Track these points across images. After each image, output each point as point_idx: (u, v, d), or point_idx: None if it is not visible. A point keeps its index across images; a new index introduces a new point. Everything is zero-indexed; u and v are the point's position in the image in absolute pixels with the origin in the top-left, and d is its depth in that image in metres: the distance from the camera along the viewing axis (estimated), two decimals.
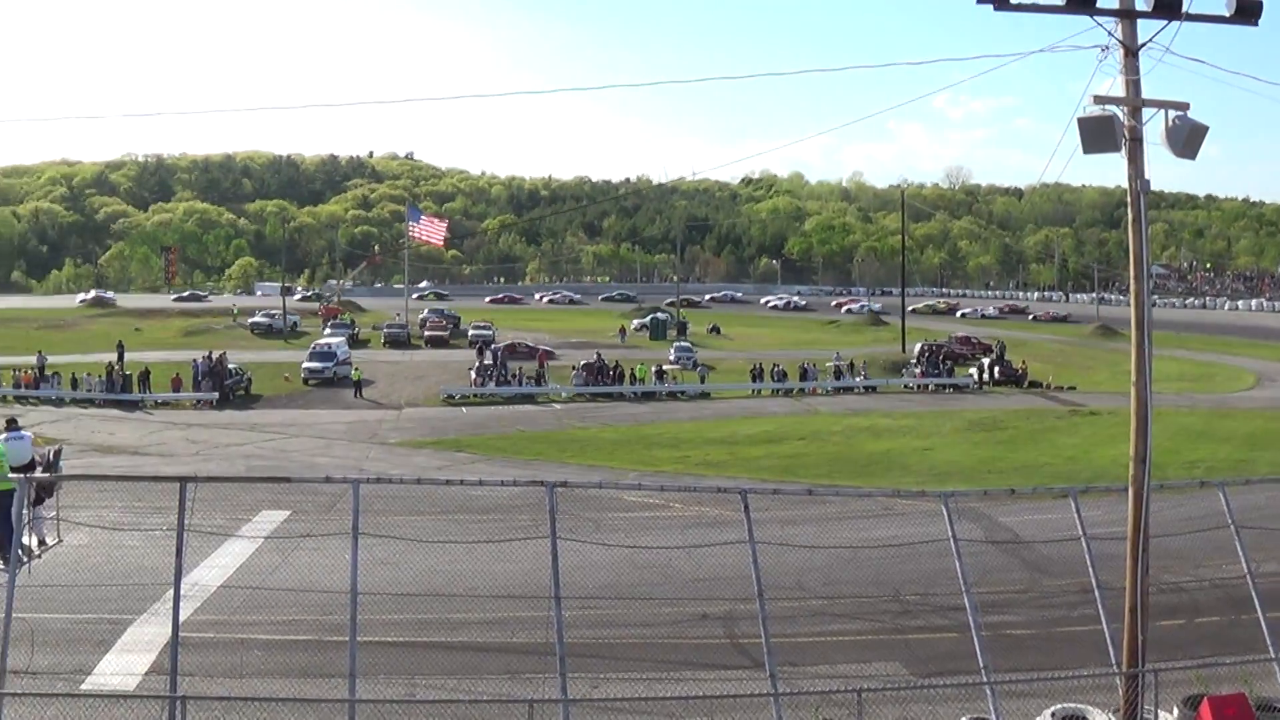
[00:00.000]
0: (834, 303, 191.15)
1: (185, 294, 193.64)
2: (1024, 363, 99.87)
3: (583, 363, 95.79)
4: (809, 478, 54.56)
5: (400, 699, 23.17)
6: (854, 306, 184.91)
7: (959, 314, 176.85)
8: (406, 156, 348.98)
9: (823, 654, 27.82)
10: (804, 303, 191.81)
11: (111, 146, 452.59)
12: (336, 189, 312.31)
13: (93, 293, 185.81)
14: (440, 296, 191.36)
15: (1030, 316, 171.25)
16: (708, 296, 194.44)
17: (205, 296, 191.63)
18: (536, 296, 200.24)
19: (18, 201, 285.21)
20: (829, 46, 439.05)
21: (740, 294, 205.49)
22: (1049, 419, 77.08)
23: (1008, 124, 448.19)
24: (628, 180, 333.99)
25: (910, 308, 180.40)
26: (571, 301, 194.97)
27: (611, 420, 77.80)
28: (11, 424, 27.39)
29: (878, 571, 32.72)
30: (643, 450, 65.84)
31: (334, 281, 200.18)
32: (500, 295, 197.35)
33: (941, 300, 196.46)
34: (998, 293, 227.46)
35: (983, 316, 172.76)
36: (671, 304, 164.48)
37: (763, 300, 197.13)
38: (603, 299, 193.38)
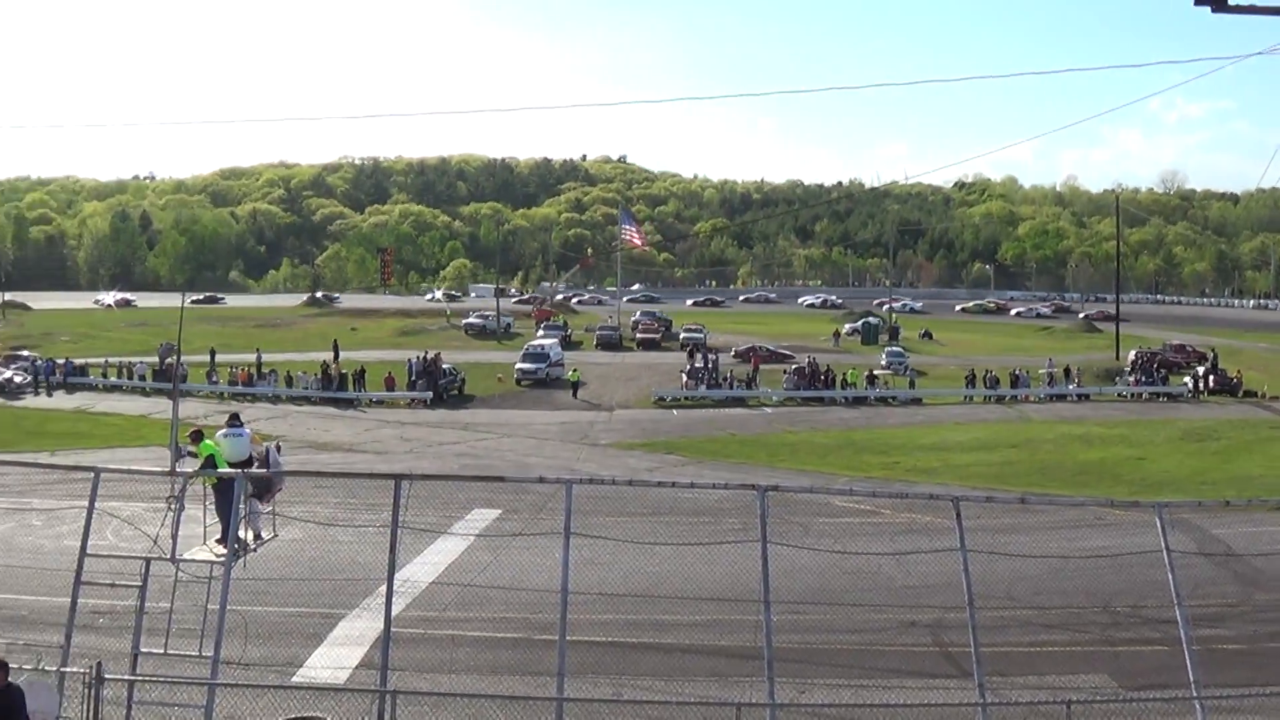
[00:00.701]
0: (875, 302, 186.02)
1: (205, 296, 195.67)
2: (1239, 372, 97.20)
3: (794, 366, 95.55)
4: (1020, 486, 53.87)
5: (607, 699, 23.23)
6: (895, 306, 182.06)
7: (1013, 312, 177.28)
8: (619, 160, 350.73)
9: (1031, 664, 27.46)
10: (839, 301, 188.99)
11: (329, 149, 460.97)
12: (550, 192, 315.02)
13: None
14: (650, 299, 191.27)
15: (1081, 315, 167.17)
16: (959, 307, 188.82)
17: (221, 299, 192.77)
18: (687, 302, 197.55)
19: (236, 203, 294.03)
20: (1042, 49, 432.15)
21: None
22: (1264, 430, 75.08)
23: (1224, 127, 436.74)
24: (839, 184, 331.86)
25: (959, 306, 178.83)
26: (715, 303, 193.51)
27: (822, 425, 77.41)
28: (234, 420, 27.89)
29: (1088, 582, 32.26)
30: (853, 455, 65.50)
31: (547, 284, 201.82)
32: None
33: (991, 300, 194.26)
34: (1213, 300, 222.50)
35: (1038, 315, 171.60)
36: (882, 305, 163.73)
37: (799, 300, 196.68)
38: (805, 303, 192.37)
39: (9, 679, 18.70)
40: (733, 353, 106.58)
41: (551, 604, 21.71)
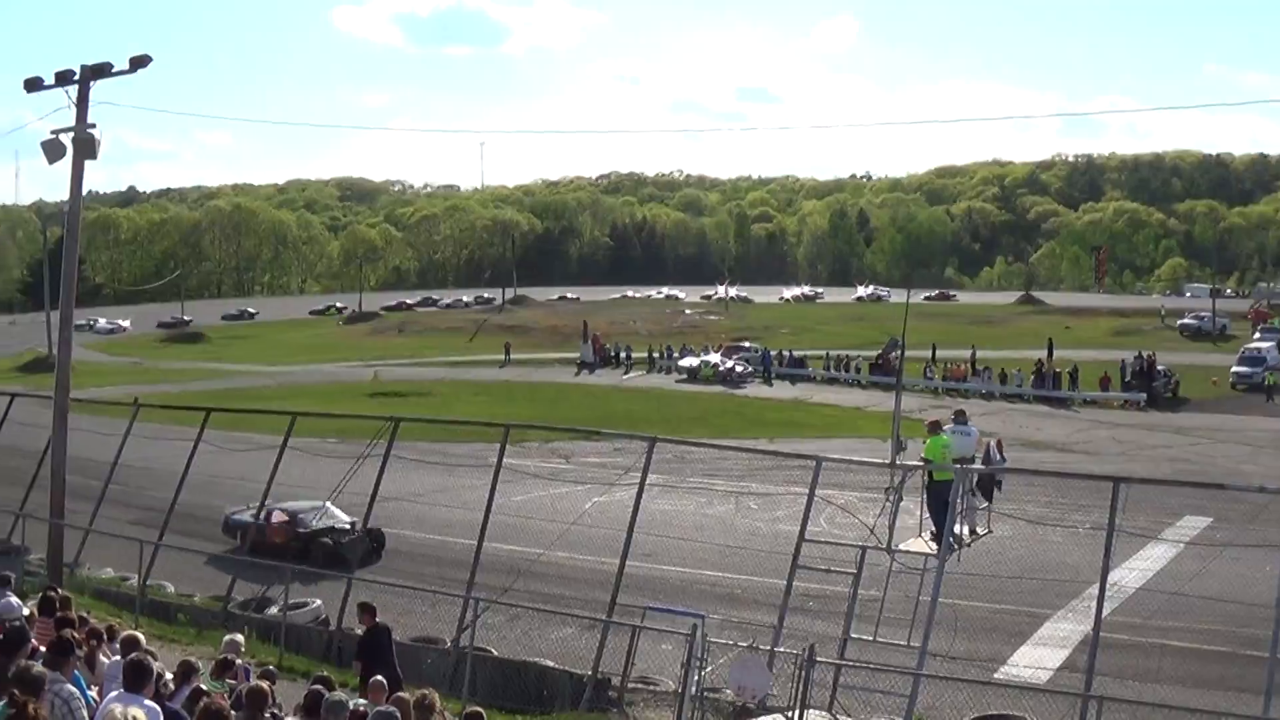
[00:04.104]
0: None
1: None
2: None
3: None
4: None
5: None
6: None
7: None
8: None
9: None
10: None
11: (1042, 147, 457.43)
12: (1267, 189, 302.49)
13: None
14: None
15: None
16: None
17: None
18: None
19: (951, 201, 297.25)
20: None
21: None
22: None
23: None
24: None
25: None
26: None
27: None
28: (959, 416, 28.50)
29: None
30: None
31: (1264, 284, 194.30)
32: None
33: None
34: None
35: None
36: None
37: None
38: None
39: (375, 619, 20.94)
40: None
41: (1259, 618, 21.33)
